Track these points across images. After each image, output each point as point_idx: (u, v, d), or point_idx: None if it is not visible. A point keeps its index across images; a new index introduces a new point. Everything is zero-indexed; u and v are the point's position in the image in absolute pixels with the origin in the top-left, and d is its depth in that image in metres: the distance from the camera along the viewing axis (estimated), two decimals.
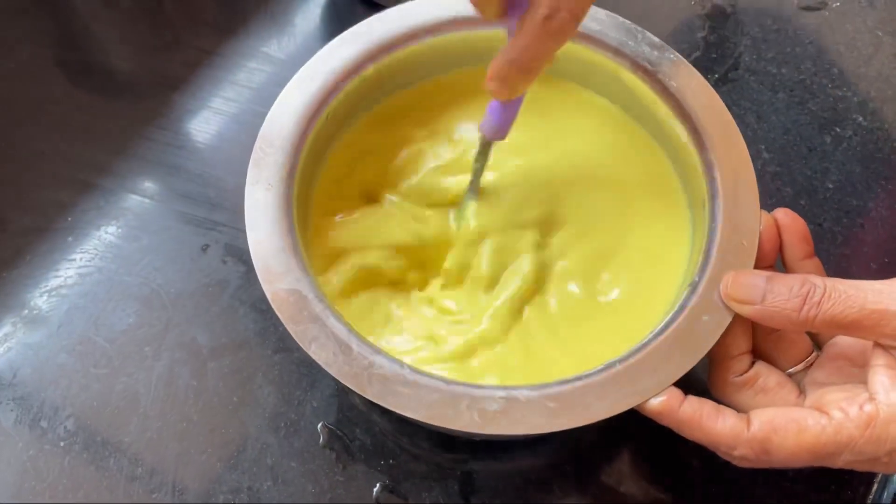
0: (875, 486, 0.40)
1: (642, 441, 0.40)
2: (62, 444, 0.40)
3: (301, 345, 0.33)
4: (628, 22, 0.41)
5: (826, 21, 0.53)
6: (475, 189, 0.39)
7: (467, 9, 0.41)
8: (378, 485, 0.39)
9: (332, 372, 0.33)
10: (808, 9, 0.54)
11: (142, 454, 0.39)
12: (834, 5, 0.54)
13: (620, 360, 0.33)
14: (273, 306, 0.34)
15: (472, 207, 0.39)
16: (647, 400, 0.32)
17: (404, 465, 0.39)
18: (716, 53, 0.52)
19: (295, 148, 0.39)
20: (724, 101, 0.50)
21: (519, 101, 0.36)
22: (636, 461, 0.40)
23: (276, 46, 0.52)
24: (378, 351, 0.33)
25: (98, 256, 0.45)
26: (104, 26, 0.54)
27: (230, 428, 0.40)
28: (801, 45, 0.52)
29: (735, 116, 0.49)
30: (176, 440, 0.40)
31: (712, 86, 0.50)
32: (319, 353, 0.33)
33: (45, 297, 0.43)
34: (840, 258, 0.45)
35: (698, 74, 0.40)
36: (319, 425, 0.40)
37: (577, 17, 0.31)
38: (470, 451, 0.40)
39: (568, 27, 0.31)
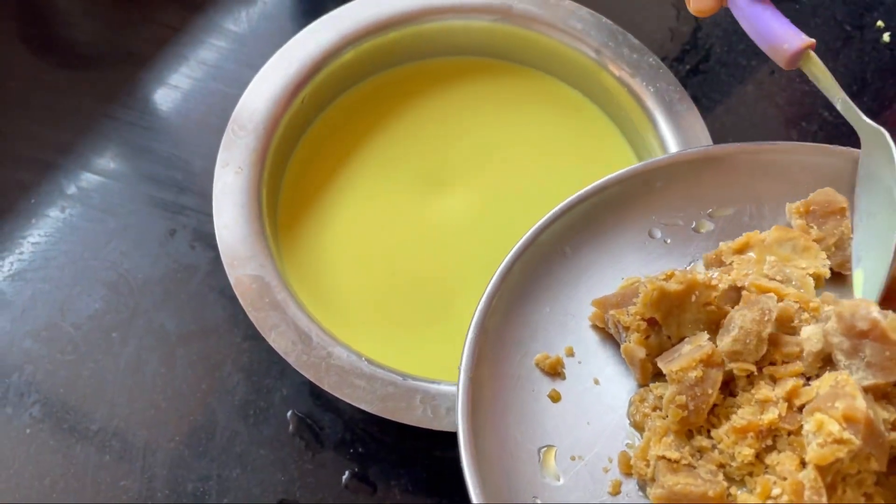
0: None
1: None
2: (28, 431, 0.39)
3: (261, 332, 0.34)
4: (612, 23, 0.41)
5: (797, 14, 0.53)
6: None
7: None
8: (347, 472, 0.39)
9: (290, 361, 0.33)
10: None
11: (109, 442, 0.39)
12: None
13: None
14: (235, 291, 0.35)
15: None
16: None
17: (373, 452, 0.40)
18: (688, 44, 0.52)
19: (268, 131, 0.38)
20: (694, 93, 0.50)
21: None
22: None
23: (245, 23, 0.51)
24: (337, 342, 0.34)
25: (62, 240, 0.44)
26: (68, 0, 0.52)
27: (199, 415, 0.40)
28: None
29: (704, 109, 0.50)
30: (144, 428, 0.40)
31: (683, 77, 0.50)
32: (279, 342, 0.33)
33: (8, 281, 0.43)
34: None
35: (680, 87, 0.41)
36: (289, 413, 0.40)
37: None
38: (438, 438, 0.40)
39: None
